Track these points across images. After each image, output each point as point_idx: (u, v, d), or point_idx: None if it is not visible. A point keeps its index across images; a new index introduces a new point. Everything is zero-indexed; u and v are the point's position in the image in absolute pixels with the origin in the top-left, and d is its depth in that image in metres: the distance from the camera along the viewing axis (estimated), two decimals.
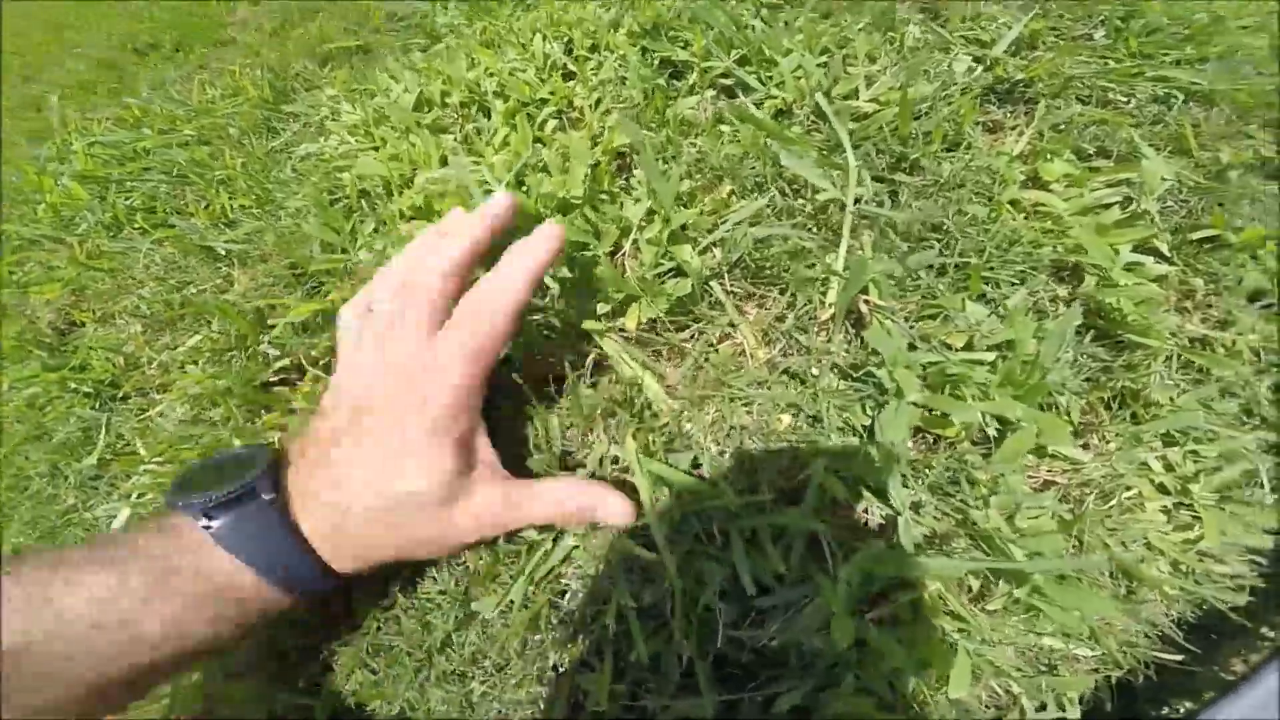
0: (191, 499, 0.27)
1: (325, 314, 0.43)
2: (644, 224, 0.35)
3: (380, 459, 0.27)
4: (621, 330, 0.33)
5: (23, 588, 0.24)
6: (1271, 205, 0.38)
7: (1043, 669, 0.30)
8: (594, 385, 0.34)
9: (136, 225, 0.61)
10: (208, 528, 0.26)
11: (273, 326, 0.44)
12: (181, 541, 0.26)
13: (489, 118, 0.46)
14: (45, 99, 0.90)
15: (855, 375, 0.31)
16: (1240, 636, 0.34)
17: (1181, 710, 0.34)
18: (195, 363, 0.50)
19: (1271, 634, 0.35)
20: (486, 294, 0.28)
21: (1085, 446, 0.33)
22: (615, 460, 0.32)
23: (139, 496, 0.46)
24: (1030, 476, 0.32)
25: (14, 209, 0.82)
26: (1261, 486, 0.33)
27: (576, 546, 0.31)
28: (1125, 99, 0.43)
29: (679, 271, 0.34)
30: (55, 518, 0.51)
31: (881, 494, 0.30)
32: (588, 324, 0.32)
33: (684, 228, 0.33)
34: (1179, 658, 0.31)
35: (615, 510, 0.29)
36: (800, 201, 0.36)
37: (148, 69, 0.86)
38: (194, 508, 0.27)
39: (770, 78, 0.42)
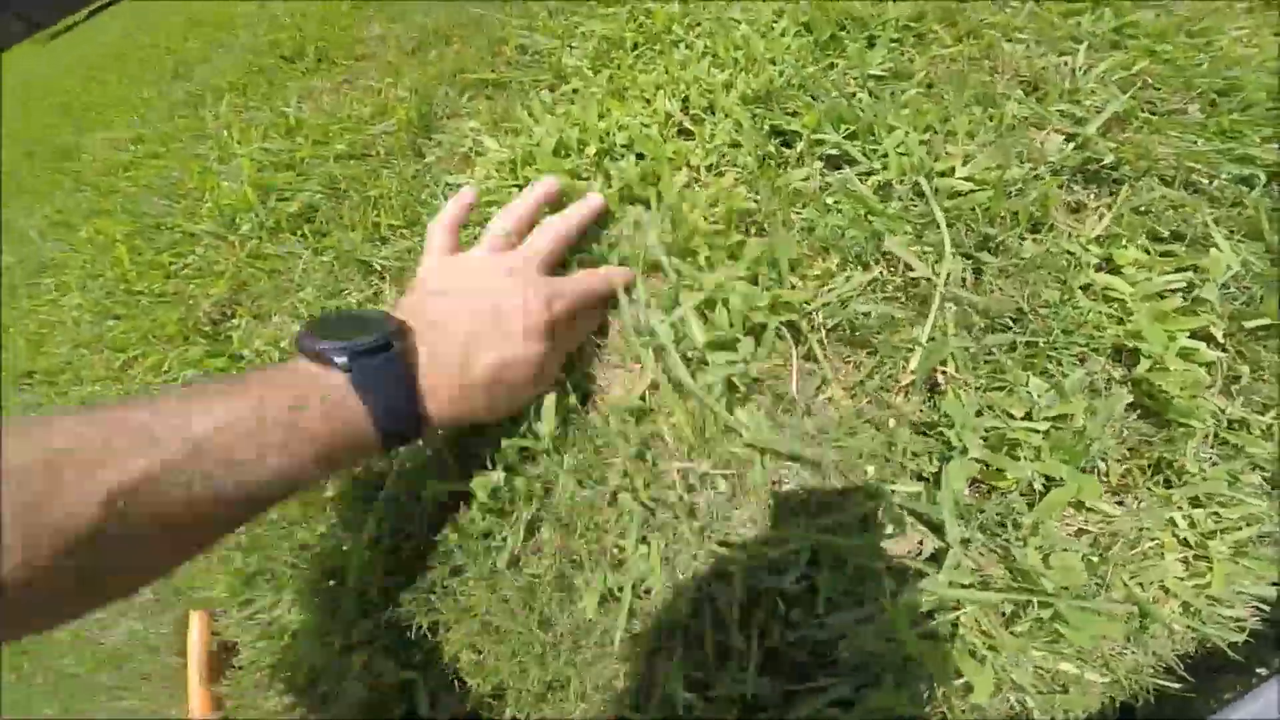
0: (333, 344, 0.29)
1: None
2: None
3: (499, 337, 0.34)
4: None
5: (162, 417, 0.25)
6: None
7: (1057, 689, 0.37)
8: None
9: (299, 232, 0.72)
10: (349, 370, 0.29)
11: None
12: (316, 383, 0.29)
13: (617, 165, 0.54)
14: (200, 98, 1.03)
15: (928, 432, 0.39)
16: (1236, 671, 0.41)
17: None
18: None
19: (1265, 671, 0.41)
20: (559, 226, 0.42)
21: (1120, 503, 0.39)
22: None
23: None
24: (1068, 524, 0.39)
25: (176, 204, 0.94)
26: (1277, 545, 0.39)
27: (665, 559, 0.40)
28: (1208, 179, 0.47)
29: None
30: None
31: (939, 530, 0.37)
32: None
33: (787, 304, 0.41)
34: (1178, 686, 0.38)
35: (620, 279, 0.41)
36: (892, 276, 0.43)
37: (294, 77, 0.96)
38: (337, 351, 0.29)
39: (875, 151, 0.48)
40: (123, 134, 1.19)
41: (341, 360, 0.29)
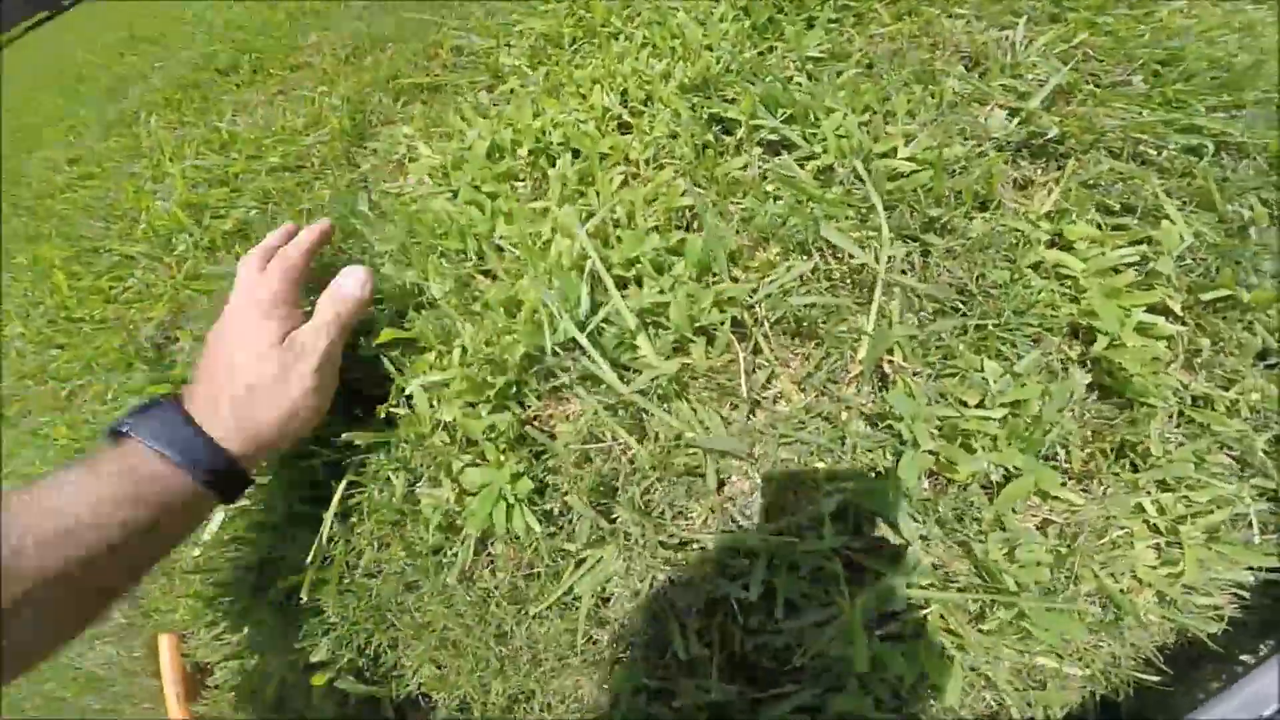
0: (112, 424, 0.36)
1: (407, 342, 0.46)
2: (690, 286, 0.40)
3: (229, 348, 0.39)
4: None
5: (7, 494, 0.31)
6: None
7: (1034, 685, 0.35)
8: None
9: (235, 251, 0.68)
10: (128, 429, 0.35)
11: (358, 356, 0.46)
12: (106, 449, 0.35)
13: (554, 165, 0.51)
14: (135, 115, 0.99)
15: (879, 425, 0.36)
16: (1218, 662, 0.39)
17: None
18: None
19: (1249, 659, 0.39)
20: (284, 252, 0.43)
21: (1085, 490, 0.37)
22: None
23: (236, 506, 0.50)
24: (1033, 515, 0.37)
25: (112, 225, 0.90)
26: (1250, 527, 0.37)
27: (624, 562, 0.37)
28: (1156, 151, 0.45)
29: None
30: None
31: (896, 526, 0.35)
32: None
33: (731, 299, 0.38)
34: (1157, 679, 0.36)
35: (349, 287, 0.42)
36: (837, 264, 0.40)
37: (229, 90, 0.93)
38: (118, 423, 0.36)
39: (815, 134, 0.46)
40: (59, 154, 1.14)
41: (123, 428, 0.35)
